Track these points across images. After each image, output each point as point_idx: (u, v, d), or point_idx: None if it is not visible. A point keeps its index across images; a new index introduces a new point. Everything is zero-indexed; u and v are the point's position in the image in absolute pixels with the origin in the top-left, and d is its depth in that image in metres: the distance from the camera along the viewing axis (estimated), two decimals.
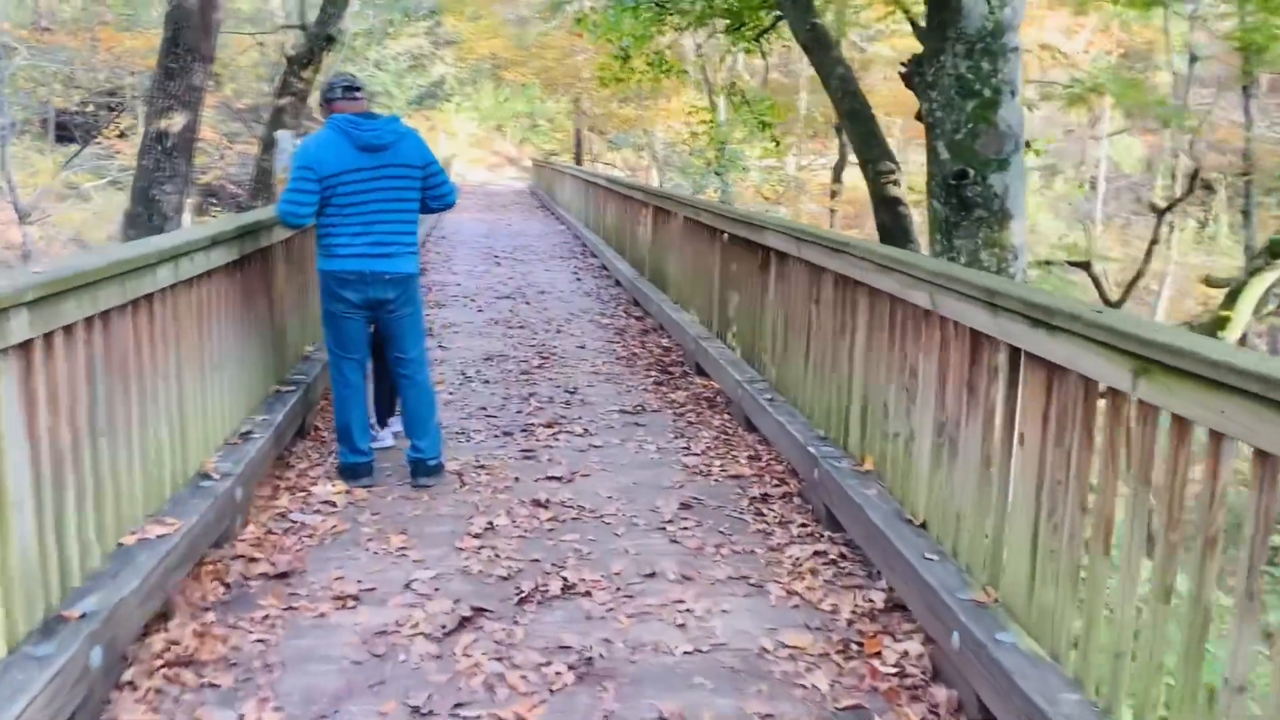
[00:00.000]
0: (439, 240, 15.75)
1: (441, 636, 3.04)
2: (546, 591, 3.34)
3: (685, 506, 4.19)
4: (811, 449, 4.18)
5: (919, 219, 7.49)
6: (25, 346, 2.48)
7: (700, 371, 6.57)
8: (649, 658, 2.94)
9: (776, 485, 4.44)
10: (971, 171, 4.95)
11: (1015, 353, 2.81)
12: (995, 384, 2.92)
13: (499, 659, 2.91)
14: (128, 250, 3.10)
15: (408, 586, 3.38)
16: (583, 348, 7.57)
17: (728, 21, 10.54)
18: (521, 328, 8.36)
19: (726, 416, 5.58)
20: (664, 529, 3.94)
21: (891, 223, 6.62)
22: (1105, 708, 2.30)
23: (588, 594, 3.34)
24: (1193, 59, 18.44)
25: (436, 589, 3.37)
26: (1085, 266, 11.42)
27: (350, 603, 3.25)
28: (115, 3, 24.97)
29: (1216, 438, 2.01)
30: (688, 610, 3.23)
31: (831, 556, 3.66)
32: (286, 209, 4.17)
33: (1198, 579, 2.03)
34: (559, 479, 4.52)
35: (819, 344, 4.56)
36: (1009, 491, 2.84)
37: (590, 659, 2.91)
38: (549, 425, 5.38)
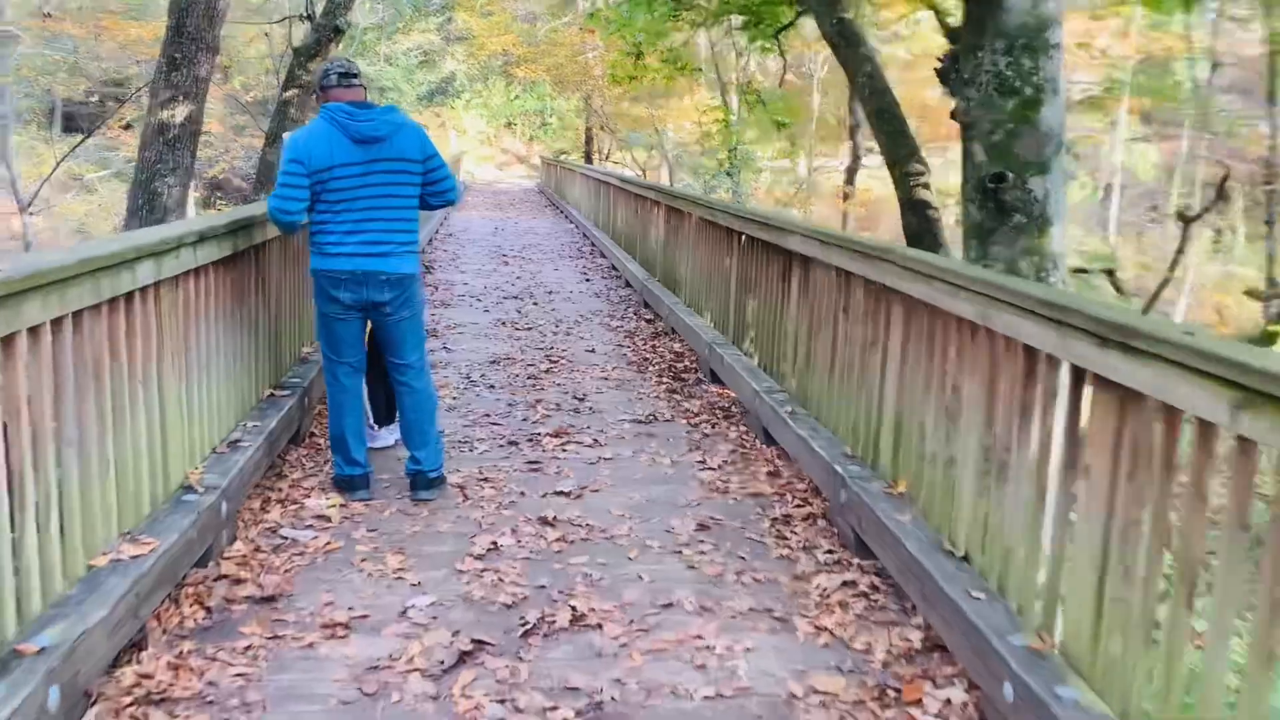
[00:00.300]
0: (446, 238, 15.49)
1: (439, 673, 2.77)
2: (553, 623, 3.07)
3: (702, 527, 3.92)
4: (838, 468, 3.91)
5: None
6: None
7: (715, 379, 6.30)
8: (665, 703, 2.67)
9: (799, 505, 4.16)
10: (1010, 174, 4.66)
11: (1079, 374, 2.54)
12: (1054, 408, 2.65)
13: (501, 700, 2.64)
14: (103, 246, 2.83)
15: (404, 614, 3.11)
16: (592, 351, 7.30)
17: (745, 19, 10.26)
18: (529, 329, 8.09)
19: (743, 428, 5.30)
20: (680, 552, 3.67)
21: (920, 227, 6.34)
22: None
23: (598, 626, 3.07)
24: (1214, 65, 18.12)
25: (435, 618, 3.10)
26: (1109, 274, 11.13)
27: (341, 632, 2.99)
28: None
29: None
30: (707, 648, 2.96)
31: (862, 588, 3.39)
32: (275, 205, 3.91)
33: None
34: (567, 494, 4.25)
35: (846, 355, 4.29)
36: (1070, 528, 2.57)
37: (600, 703, 2.64)
38: (557, 435, 5.11)
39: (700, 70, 16.09)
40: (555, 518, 3.94)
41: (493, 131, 40.94)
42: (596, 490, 4.32)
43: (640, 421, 5.43)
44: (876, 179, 31.39)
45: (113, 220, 19.67)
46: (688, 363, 6.92)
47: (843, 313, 4.38)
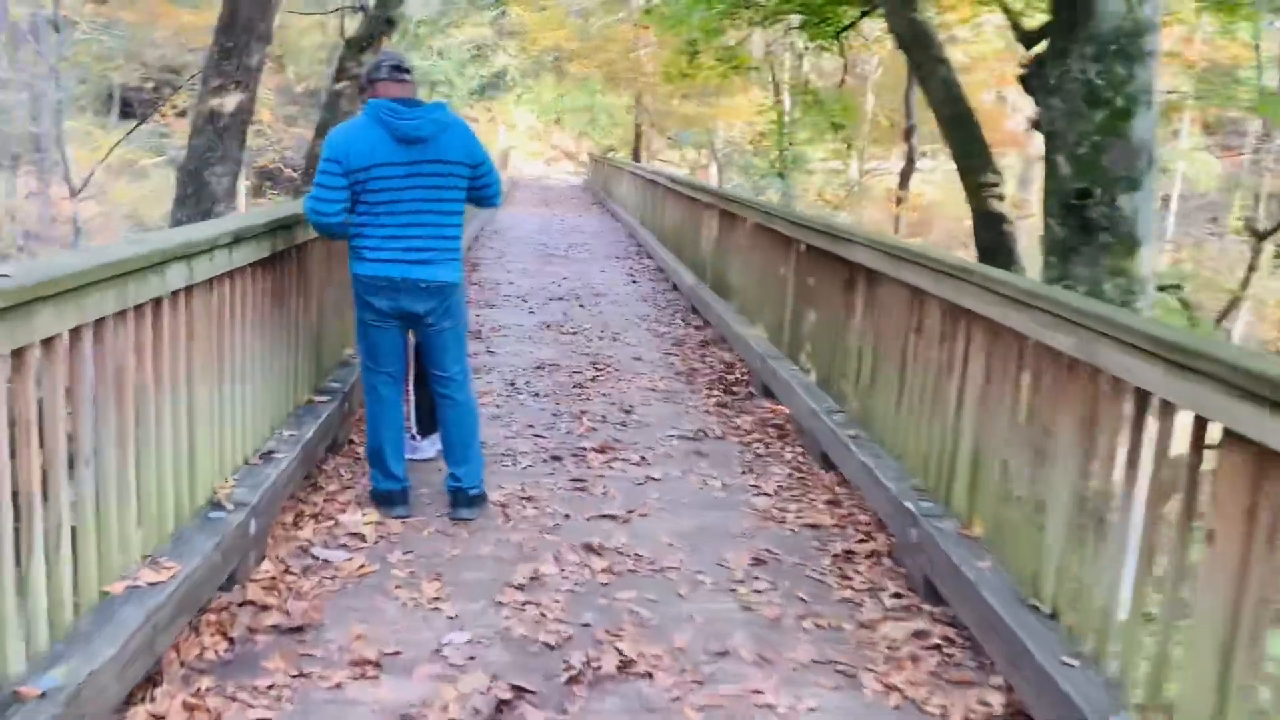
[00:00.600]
0: (492, 235, 15.34)
1: None
2: (599, 669, 2.83)
3: (758, 561, 3.65)
4: (908, 504, 3.62)
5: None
6: None
7: (767, 393, 6.03)
8: None
9: (862, 540, 3.88)
10: (1097, 190, 4.34)
11: (1202, 424, 2.25)
12: (1169, 460, 2.36)
13: None
14: (129, 249, 2.64)
15: (439, 652, 2.89)
16: (639, 359, 7.06)
17: (805, 18, 9.95)
18: (574, 334, 7.87)
19: (799, 450, 5.03)
20: (735, 590, 3.41)
21: (994, 242, 6.01)
22: None
23: (648, 675, 2.82)
24: None
25: (472, 658, 2.87)
26: (1175, 289, 10.68)
27: (371, 671, 2.77)
28: None
29: None
30: (767, 705, 2.70)
31: (934, 639, 3.11)
32: (309, 206, 3.71)
33: None
34: (613, 518, 4.01)
35: (918, 379, 4.00)
36: (1185, 599, 2.28)
37: None
38: (602, 450, 4.87)
39: (757, 69, 15.77)
40: (601, 545, 3.70)
41: (541, 127, 40.87)
42: (644, 515, 4.07)
43: (689, 438, 5.18)
44: (929, 183, 30.85)
45: (164, 207, 19.77)
46: (738, 374, 6.65)
47: (914, 333, 4.10)
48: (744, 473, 4.66)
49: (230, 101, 9.07)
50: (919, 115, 21.07)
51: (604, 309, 9.15)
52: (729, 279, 8.29)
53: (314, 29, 22.99)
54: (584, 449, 4.88)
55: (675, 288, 10.47)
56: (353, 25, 14.10)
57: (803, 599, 3.36)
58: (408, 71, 3.78)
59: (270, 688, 2.65)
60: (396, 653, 2.87)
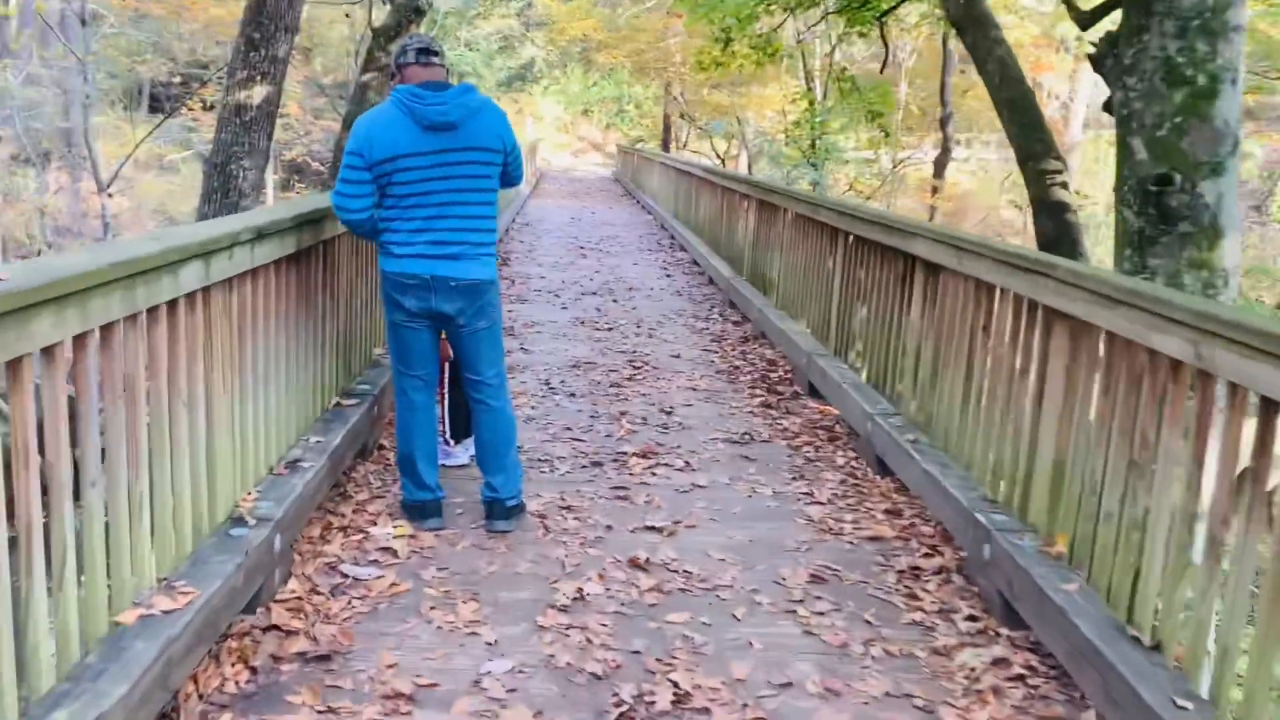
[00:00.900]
0: (522, 228, 15.13)
1: None
2: (653, 704, 2.58)
3: (817, 579, 3.39)
4: (980, 517, 3.35)
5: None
6: None
7: (814, 392, 5.76)
8: None
9: (927, 554, 3.61)
10: (1177, 176, 4.03)
11: None
12: None
13: None
14: (138, 247, 2.41)
15: (477, 683, 2.66)
16: (677, 356, 6.80)
17: (845, 2, 9.62)
18: (610, 330, 7.62)
19: (852, 453, 4.75)
20: (794, 611, 3.15)
21: (1056, 231, 5.70)
22: None
23: (705, 711, 2.57)
24: None
25: (513, 690, 2.63)
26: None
27: (404, 706, 2.54)
28: None
29: None
30: None
31: (1017, 669, 2.83)
32: (334, 202, 3.50)
33: None
34: (659, 530, 3.76)
35: (987, 381, 3.72)
36: None
37: None
38: (644, 455, 4.62)
39: (791, 57, 15.42)
40: (648, 560, 3.46)
41: (569, 118, 40.61)
42: (692, 526, 3.82)
43: (735, 441, 4.92)
44: (963, 172, 30.34)
45: (193, 201, 19.72)
46: (782, 372, 6.38)
47: (982, 331, 3.81)
48: (795, 479, 4.40)
49: (257, 94, 8.89)
50: (955, 104, 20.74)
51: (639, 304, 8.90)
52: (768, 272, 8.01)
53: (342, 20, 22.86)
54: (624, 453, 4.63)
55: (711, 281, 10.20)
56: (380, 16, 13.91)
57: (869, 622, 3.10)
58: (436, 54, 3.54)
59: None
60: (432, 684, 2.64)
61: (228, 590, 2.69)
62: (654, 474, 4.39)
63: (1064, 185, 5.69)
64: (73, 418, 2.21)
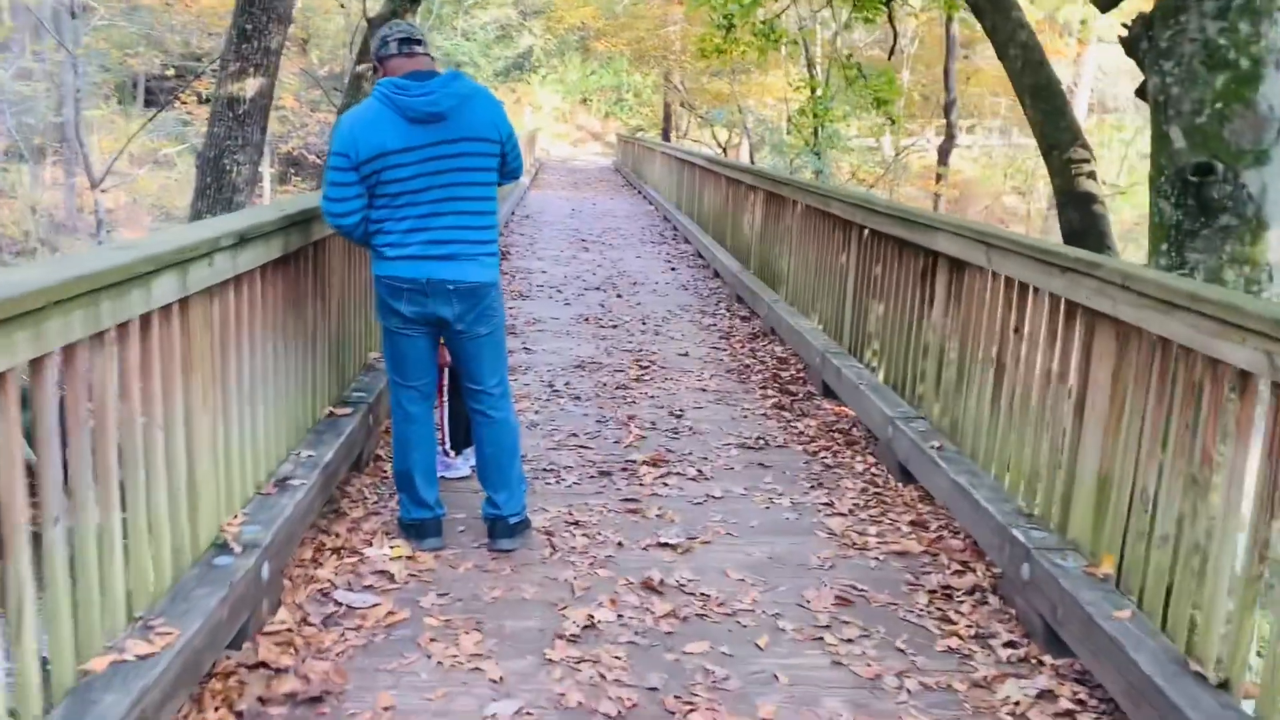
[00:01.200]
0: (522, 220, 14.89)
1: None
2: None
3: (843, 601, 3.18)
4: (1017, 533, 3.13)
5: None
6: None
7: (828, 393, 5.54)
8: None
9: (958, 572, 3.40)
10: (1219, 166, 3.80)
11: None
12: None
13: None
14: (103, 258, 2.19)
15: None
16: (685, 355, 6.58)
17: None
18: (614, 327, 7.40)
19: (872, 459, 4.53)
20: (821, 639, 2.93)
21: (1083, 223, 5.46)
22: None
23: None
24: None
25: None
26: None
27: None
28: None
29: None
30: None
31: (1065, 703, 2.62)
32: (323, 207, 3.28)
33: None
34: (673, 547, 3.54)
35: (1020, 386, 3.50)
36: None
37: None
38: (654, 463, 4.41)
39: (796, 44, 15.14)
40: (662, 581, 3.24)
41: (568, 108, 40.30)
42: (707, 542, 3.60)
43: (749, 447, 4.70)
44: (966, 159, 30.06)
45: (190, 195, 19.50)
46: (794, 371, 6.16)
47: (1014, 333, 3.59)
48: (813, 488, 4.18)
49: (250, 86, 8.66)
50: (959, 90, 20.47)
51: (643, 299, 8.67)
52: (777, 266, 7.78)
53: (338, 11, 22.57)
54: (634, 462, 4.42)
55: (717, 275, 9.98)
56: (375, 6, 13.65)
57: (901, 650, 2.88)
58: (419, 43, 3.29)
59: None
60: None
61: (211, 627, 2.47)
62: (665, 484, 4.18)
63: (1091, 175, 5.46)
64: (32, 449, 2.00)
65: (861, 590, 3.25)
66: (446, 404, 4.09)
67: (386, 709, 2.50)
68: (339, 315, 4.27)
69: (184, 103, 20.08)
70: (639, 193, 21.10)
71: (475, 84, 3.32)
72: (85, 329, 2.08)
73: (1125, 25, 4.15)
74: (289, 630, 2.84)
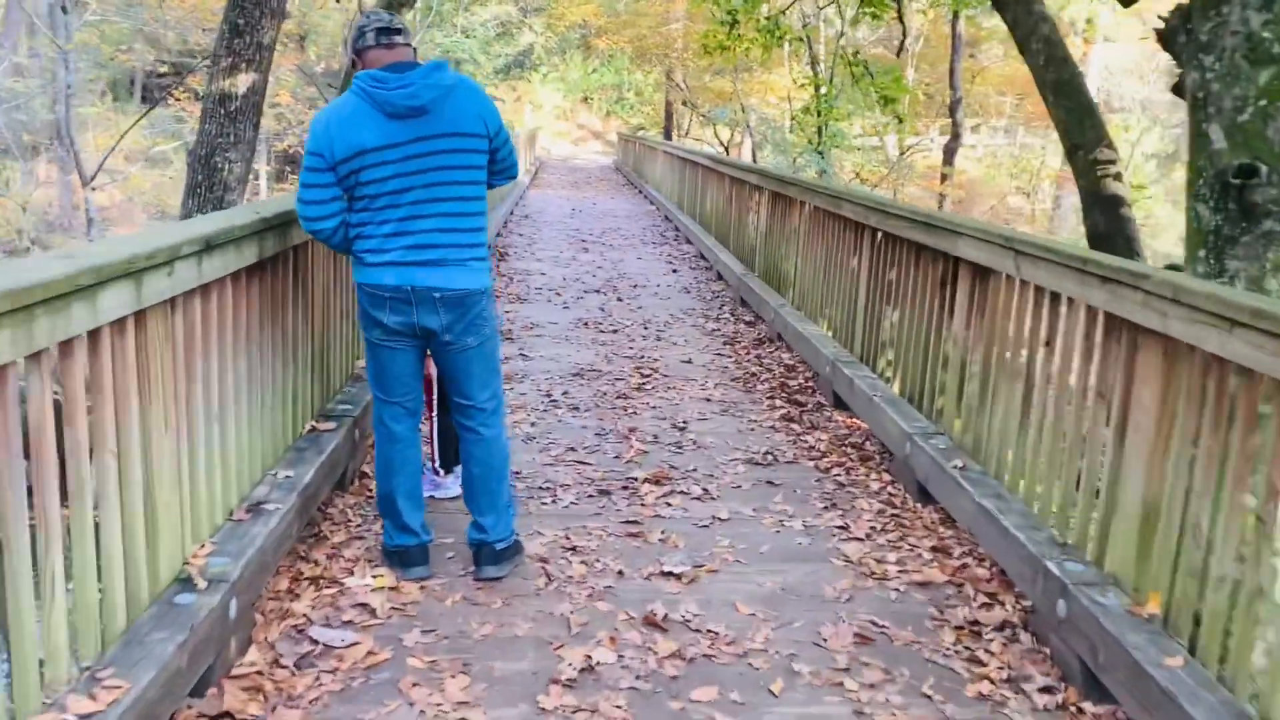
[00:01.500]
0: (521, 220, 14.64)
1: None
2: None
3: (863, 639, 2.93)
4: (1051, 566, 2.88)
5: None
6: None
7: (839, 403, 5.29)
8: None
9: (986, 606, 3.15)
10: (1263, 167, 3.55)
11: None
12: None
13: None
14: (41, 269, 1.94)
15: None
16: (688, 362, 6.33)
17: None
18: (615, 331, 7.15)
19: (888, 477, 4.29)
20: (841, 684, 2.68)
21: (1110, 226, 5.20)
22: None
23: None
24: None
25: None
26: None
27: None
28: None
29: None
30: None
31: None
32: (299, 212, 3.03)
33: None
34: (677, 576, 3.29)
35: (1051, 404, 3.25)
36: None
37: None
38: (657, 481, 4.16)
39: (802, 40, 14.88)
40: (665, 616, 2.99)
41: (569, 106, 40.03)
42: (714, 570, 3.35)
43: (757, 463, 4.45)
44: (971, 159, 29.81)
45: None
46: (803, 380, 5.91)
47: (1044, 346, 3.34)
48: (826, 508, 3.94)
49: (242, 82, 8.40)
50: (961, 90, 20.23)
51: (644, 302, 8.43)
52: (783, 268, 7.53)
53: (337, 8, 22.29)
54: (635, 479, 4.17)
55: (720, 277, 9.73)
56: (371, 1, 13.40)
57: (929, 696, 2.64)
58: (399, 32, 3.02)
59: None
60: None
61: (167, 677, 2.23)
62: (669, 504, 3.93)
63: (1118, 177, 5.20)
64: None
65: (882, 626, 3.00)
66: (435, 419, 3.85)
67: None
68: (323, 322, 4.02)
69: (178, 99, 19.83)
70: (640, 192, 20.86)
71: (460, 75, 3.07)
72: (16, 350, 1.84)
73: (1162, 18, 3.90)
74: (259, 673, 2.59)
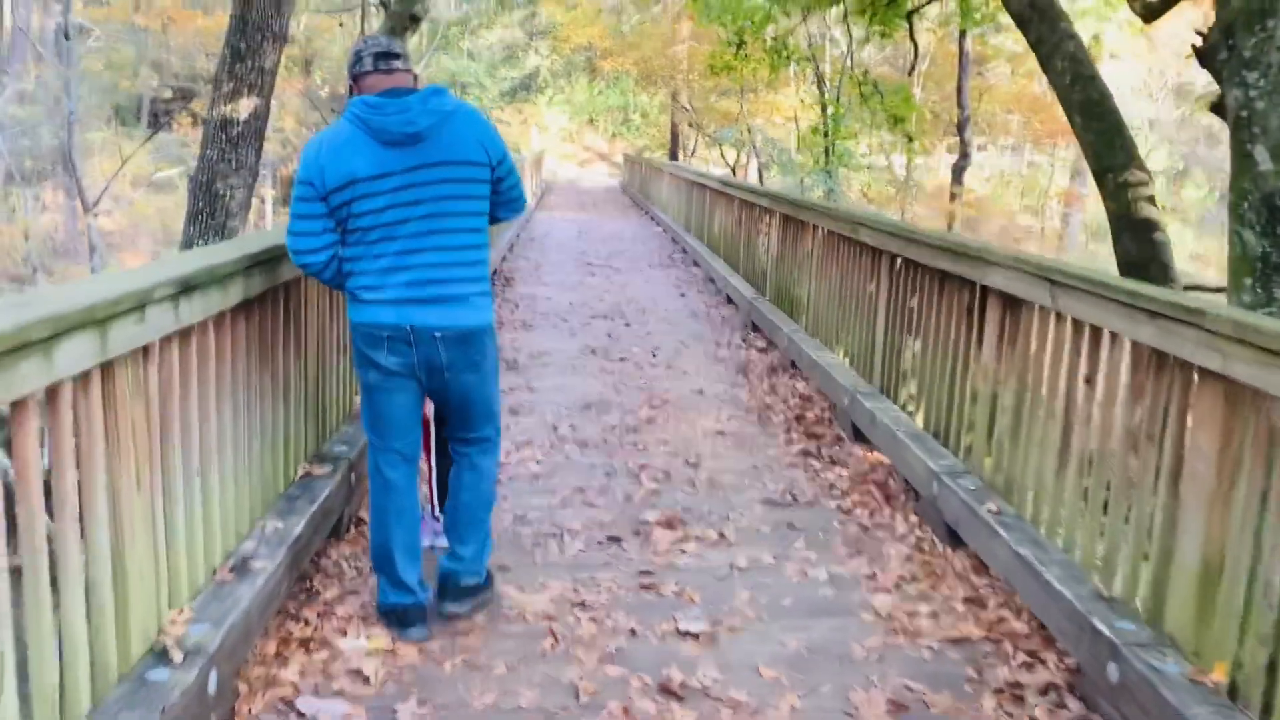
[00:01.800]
0: (528, 243, 14.47)
1: None
2: None
3: (898, 706, 2.70)
4: (1099, 625, 2.66)
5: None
6: None
7: (858, 436, 5.07)
8: None
9: (1027, 665, 2.91)
10: None
11: None
12: None
13: None
14: None
15: None
16: (700, 392, 6.11)
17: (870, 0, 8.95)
18: (623, 360, 6.94)
19: (915, 519, 4.06)
20: None
21: (1142, 253, 4.99)
22: None
23: None
24: None
25: None
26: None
27: None
28: None
29: None
30: None
31: None
32: (289, 245, 2.84)
33: None
34: (695, 636, 3.06)
35: (1092, 445, 3.03)
36: None
37: None
38: (670, 525, 3.94)
39: (809, 60, 14.75)
40: (683, 684, 2.77)
41: (574, 128, 40.03)
42: (733, 629, 3.13)
43: (775, 503, 4.23)
44: (979, 178, 29.61)
45: None
46: (819, 410, 5.69)
47: (1085, 383, 3.12)
48: (852, 555, 3.71)
49: (244, 107, 8.26)
50: (968, 108, 20.07)
51: (653, 328, 8.22)
52: (796, 293, 7.32)
53: (342, 33, 22.28)
54: (647, 523, 3.95)
55: (729, 300, 9.53)
56: (378, 26, 13.31)
57: None
58: (398, 57, 2.85)
59: None
60: None
61: None
62: (683, 551, 3.71)
63: (1150, 200, 4.99)
64: None
65: (917, 692, 2.77)
66: (435, 466, 3.64)
67: None
68: (318, 359, 3.82)
69: (182, 125, 19.78)
70: (646, 214, 20.71)
71: (460, 101, 2.89)
72: None
73: (1200, 33, 3.71)
74: None
